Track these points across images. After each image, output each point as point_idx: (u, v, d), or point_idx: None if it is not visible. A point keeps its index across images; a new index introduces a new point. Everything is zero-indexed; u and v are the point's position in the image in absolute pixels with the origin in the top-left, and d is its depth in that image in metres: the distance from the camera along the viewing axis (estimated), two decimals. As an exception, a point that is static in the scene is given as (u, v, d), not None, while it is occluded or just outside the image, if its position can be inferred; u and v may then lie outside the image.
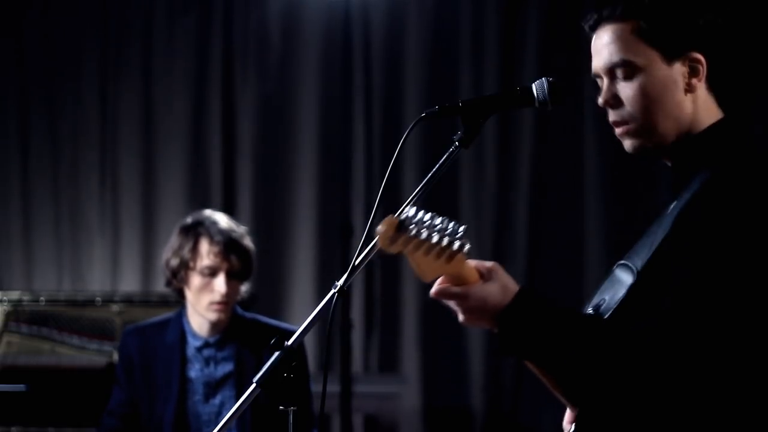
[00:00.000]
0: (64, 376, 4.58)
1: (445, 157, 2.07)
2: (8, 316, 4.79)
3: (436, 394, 5.95)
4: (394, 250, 1.85)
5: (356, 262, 2.03)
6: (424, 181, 2.05)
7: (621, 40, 2.07)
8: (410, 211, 1.85)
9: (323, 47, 6.02)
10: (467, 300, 1.93)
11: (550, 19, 5.92)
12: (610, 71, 2.09)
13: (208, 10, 6.09)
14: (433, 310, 5.85)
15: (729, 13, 2.17)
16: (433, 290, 1.95)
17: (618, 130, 2.11)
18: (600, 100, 2.11)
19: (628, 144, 2.11)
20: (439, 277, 1.93)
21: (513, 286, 1.95)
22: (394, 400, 5.69)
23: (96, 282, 6.00)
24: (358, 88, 6.00)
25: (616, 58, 2.07)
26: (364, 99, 6.01)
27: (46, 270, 6.05)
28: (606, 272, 2.12)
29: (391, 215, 1.85)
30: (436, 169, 2.06)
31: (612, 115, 2.11)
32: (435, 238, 1.85)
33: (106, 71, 6.09)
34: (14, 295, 4.93)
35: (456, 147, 2.08)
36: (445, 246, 1.86)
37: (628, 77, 2.07)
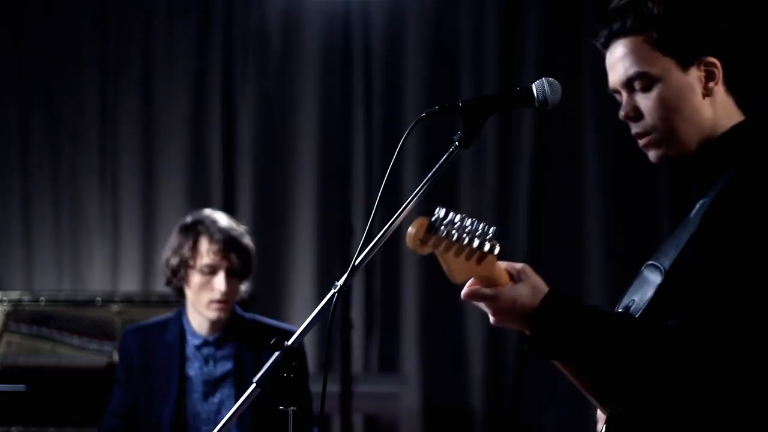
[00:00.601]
0: (64, 376, 4.58)
1: (445, 157, 2.07)
2: (8, 316, 4.80)
3: (436, 394, 5.94)
4: (424, 251, 1.85)
5: (356, 262, 2.03)
6: (424, 182, 2.05)
7: (635, 53, 2.08)
8: (441, 212, 1.84)
9: (323, 47, 6.02)
10: (497, 301, 1.94)
11: (550, 19, 5.92)
12: (628, 84, 2.10)
13: (208, 10, 6.08)
14: (433, 310, 5.85)
15: (738, 15, 2.17)
16: (463, 292, 1.95)
17: (641, 142, 2.12)
18: (621, 114, 2.12)
19: (652, 154, 2.12)
20: (468, 279, 1.93)
21: (543, 287, 1.95)
22: (394, 400, 5.68)
23: (96, 282, 6.00)
24: (358, 88, 6.00)
25: (631, 71, 2.08)
26: (364, 99, 6.01)
27: (46, 270, 6.04)
28: (634, 274, 2.13)
29: (421, 216, 1.85)
30: (436, 169, 2.06)
31: (634, 128, 2.12)
32: (466, 240, 1.85)
33: (106, 71, 6.09)
34: (14, 295, 4.93)
35: (456, 147, 2.08)
36: (476, 247, 1.86)
37: (645, 89, 2.08)
